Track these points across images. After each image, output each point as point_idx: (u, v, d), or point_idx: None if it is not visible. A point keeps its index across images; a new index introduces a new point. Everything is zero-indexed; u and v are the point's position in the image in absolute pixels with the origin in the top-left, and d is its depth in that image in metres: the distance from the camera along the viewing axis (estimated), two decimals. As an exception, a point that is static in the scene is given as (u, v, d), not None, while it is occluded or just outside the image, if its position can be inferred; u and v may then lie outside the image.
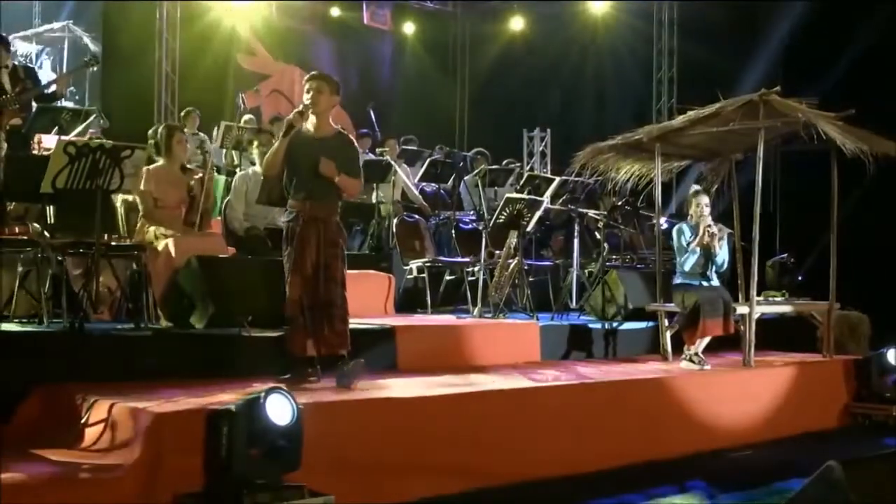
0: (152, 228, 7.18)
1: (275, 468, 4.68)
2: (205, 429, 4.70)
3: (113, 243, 6.99)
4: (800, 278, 11.43)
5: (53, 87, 8.12)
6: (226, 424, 4.62)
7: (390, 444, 5.48)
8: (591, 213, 10.55)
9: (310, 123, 6.23)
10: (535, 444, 6.14)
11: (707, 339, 8.07)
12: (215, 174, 8.75)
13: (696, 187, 8.42)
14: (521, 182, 11.29)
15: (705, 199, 8.13)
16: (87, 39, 13.60)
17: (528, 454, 6.09)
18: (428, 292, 9.38)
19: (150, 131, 7.56)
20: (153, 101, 14.21)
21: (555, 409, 6.39)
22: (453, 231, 10.36)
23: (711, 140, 8.70)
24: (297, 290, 6.12)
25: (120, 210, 7.52)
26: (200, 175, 7.42)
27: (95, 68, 8.79)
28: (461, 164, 12.01)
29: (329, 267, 6.14)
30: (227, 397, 5.32)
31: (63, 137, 7.37)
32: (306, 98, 6.19)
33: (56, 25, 13.89)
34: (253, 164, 10.84)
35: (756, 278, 8.05)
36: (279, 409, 4.68)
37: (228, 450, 4.59)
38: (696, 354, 8.01)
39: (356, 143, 6.67)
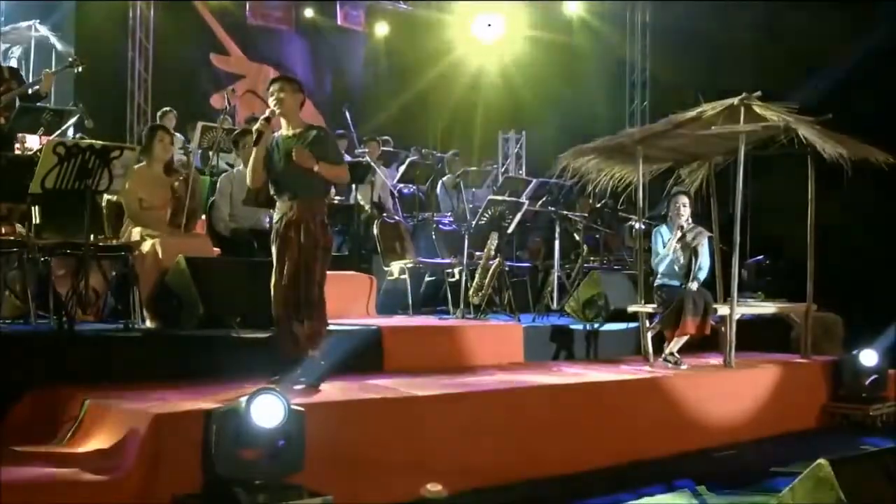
0: (138, 229, 7.16)
1: (275, 469, 4.70)
2: (202, 430, 4.73)
3: (100, 244, 6.96)
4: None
5: (37, 87, 8.07)
6: (216, 425, 4.64)
7: (388, 444, 5.52)
8: (573, 215, 10.61)
9: (282, 126, 6.20)
10: (529, 443, 6.21)
11: (683, 339, 8.17)
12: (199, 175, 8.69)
13: (677, 188, 8.52)
14: (499, 184, 11.35)
15: (684, 200, 8.22)
16: (53, 39, 13.45)
17: (521, 454, 6.16)
18: (410, 293, 9.40)
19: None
20: (126, 100, 14.10)
21: (548, 409, 6.49)
22: (433, 232, 10.38)
23: (691, 144, 8.79)
24: (281, 291, 6.08)
25: (104, 211, 7.48)
26: (184, 176, 7.40)
27: (80, 69, 8.71)
28: (439, 165, 12.03)
29: (308, 268, 6.09)
30: (221, 398, 5.30)
31: (48, 138, 7.33)
32: (272, 102, 6.17)
33: (22, 24, 13.73)
34: (231, 165, 10.85)
35: (737, 279, 8.15)
36: (270, 410, 4.67)
37: (220, 451, 4.61)
38: (672, 354, 8.13)
39: (330, 132, 6.54)
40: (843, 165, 8.08)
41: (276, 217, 6.23)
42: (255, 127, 6.19)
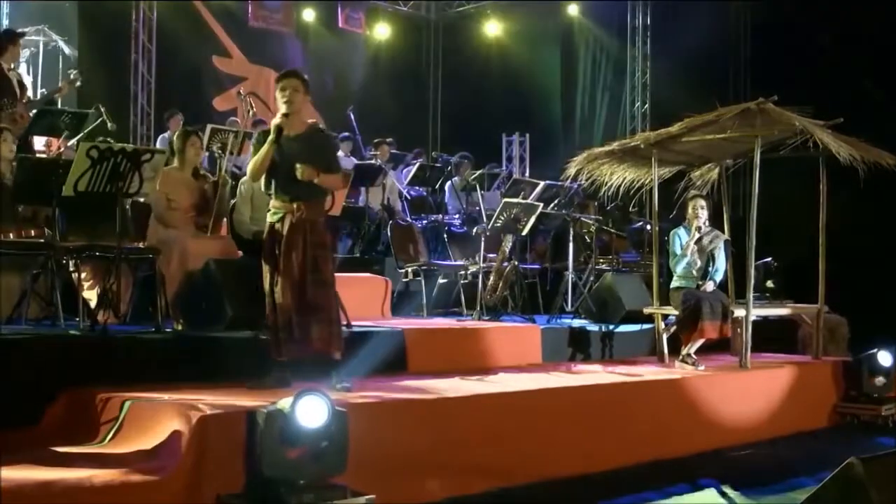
0: (163, 230, 7.21)
1: (319, 469, 4.74)
2: (245, 430, 4.77)
3: (127, 246, 6.98)
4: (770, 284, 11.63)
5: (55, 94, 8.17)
6: (261, 426, 4.69)
7: (426, 444, 5.60)
8: (587, 217, 10.68)
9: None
10: (556, 442, 6.31)
11: (700, 341, 8.24)
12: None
13: (695, 191, 8.60)
14: (507, 186, 11.42)
15: (702, 203, 8.31)
16: (61, 43, 13.46)
17: (549, 452, 6.25)
18: (424, 295, 9.45)
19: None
20: (129, 102, 14.12)
21: (573, 409, 6.57)
22: (445, 234, 10.45)
23: (704, 147, 8.85)
24: (287, 294, 5.92)
25: (130, 213, 7.51)
26: (214, 179, 7.46)
27: (79, 83, 8.94)
28: (448, 168, 12.10)
29: (317, 269, 5.97)
30: (258, 399, 5.32)
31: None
32: (281, 98, 6.01)
33: (30, 29, 13.74)
34: (239, 168, 10.87)
35: (752, 281, 8.23)
36: (314, 411, 4.71)
37: (265, 451, 4.65)
38: (689, 355, 8.19)
39: (331, 137, 6.43)
40: (850, 168, 8.20)
41: (274, 217, 6.04)
42: (276, 122, 5.98)
